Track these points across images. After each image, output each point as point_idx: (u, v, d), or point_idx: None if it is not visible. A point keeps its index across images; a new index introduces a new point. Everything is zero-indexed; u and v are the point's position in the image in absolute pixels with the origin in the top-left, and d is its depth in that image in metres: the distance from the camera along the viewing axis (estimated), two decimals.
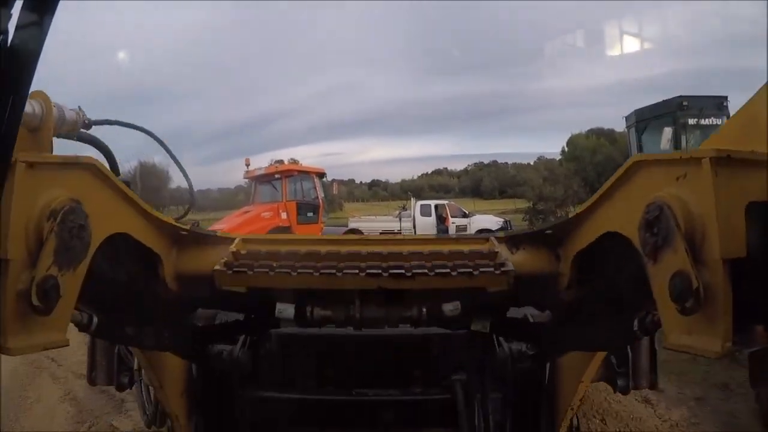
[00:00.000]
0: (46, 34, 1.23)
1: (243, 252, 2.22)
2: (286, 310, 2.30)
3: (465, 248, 2.18)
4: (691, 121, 11.52)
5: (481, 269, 2.00)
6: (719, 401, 7.11)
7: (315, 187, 19.57)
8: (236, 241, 2.28)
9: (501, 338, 2.40)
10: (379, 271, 1.99)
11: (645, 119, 12.63)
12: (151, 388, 2.79)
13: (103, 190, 1.79)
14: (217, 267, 2.06)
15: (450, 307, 2.26)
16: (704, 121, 11.57)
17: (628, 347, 2.90)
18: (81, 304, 1.70)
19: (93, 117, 2.43)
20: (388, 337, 2.71)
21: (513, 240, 2.27)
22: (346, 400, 2.89)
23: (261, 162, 21.43)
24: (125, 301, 2.07)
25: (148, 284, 2.22)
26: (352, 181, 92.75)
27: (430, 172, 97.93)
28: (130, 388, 2.95)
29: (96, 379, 2.97)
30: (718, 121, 11.56)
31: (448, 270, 1.99)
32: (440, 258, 2.09)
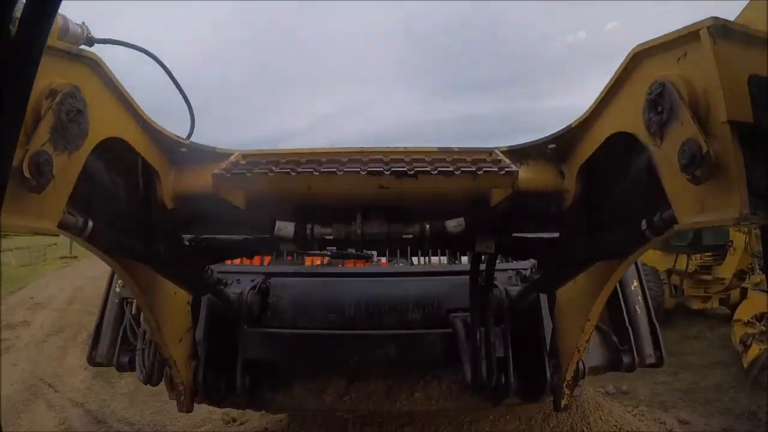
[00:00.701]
0: (49, 30, 1.23)
1: (243, 162, 2.14)
2: (285, 228, 2.19)
3: (468, 157, 2.08)
4: None
5: (484, 169, 1.93)
6: None
7: None
8: (236, 154, 2.19)
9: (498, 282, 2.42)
10: (381, 169, 1.91)
11: None
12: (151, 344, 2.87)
13: (105, 90, 1.79)
14: (215, 171, 1.99)
15: (453, 224, 2.18)
16: None
17: (628, 324, 3.04)
18: (76, 209, 1.70)
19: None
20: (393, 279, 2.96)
21: (517, 153, 2.19)
22: (350, 335, 2.99)
23: None
24: (121, 211, 2.06)
25: (144, 199, 2.19)
26: None
27: None
28: (130, 370, 3.05)
29: (96, 357, 3.13)
30: None
31: (451, 169, 1.91)
32: (443, 162, 2.00)
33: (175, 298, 2.65)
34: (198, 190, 2.21)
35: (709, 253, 11.47)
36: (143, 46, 2.22)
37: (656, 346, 3.08)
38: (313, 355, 2.99)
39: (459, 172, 1.91)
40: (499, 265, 3.09)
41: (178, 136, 2.23)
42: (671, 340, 10.97)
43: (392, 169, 1.91)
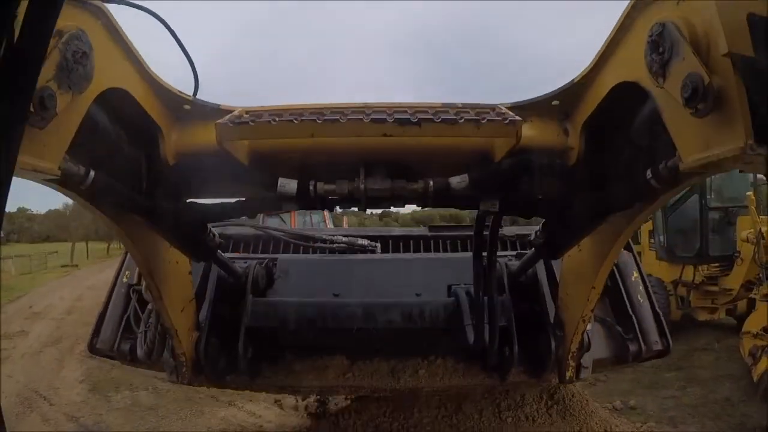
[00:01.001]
0: (51, 34, 1.25)
1: (246, 115, 2.10)
2: (288, 184, 2.17)
3: (472, 110, 2.05)
4: None
5: (487, 119, 1.91)
6: None
7: (324, 220, 19.50)
8: (239, 109, 2.16)
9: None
10: (384, 117, 1.89)
11: None
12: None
13: (110, 39, 1.81)
14: (219, 121, 1.96)
15: (457, 180, 2.16)
16: None
17: (631, 312, 3.05)
18: (78, 159, 1.71)
19: None
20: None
21: (520, 110, 2.15)
22: (355, 303, 3.04)
23: None
24: (123, 165, 2.07)
25: (147, 155, 2.21)
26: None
27: None
28: (130, 359, 3.10)
29: (97, 344, 3.16)
30: None
31: (455, 118, 1.90)
32: (447, 113, 1.99)
33: (177, 267, 2.66)
34: (201, 147, 2.22)
35: (716, 264, 11.31)
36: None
37: (662, 333, 3.08)
38: (318, 323, 2.97)
39: (462, 120, 1.90)
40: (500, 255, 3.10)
41: (182, 92, 2.23)
42: (678, 353, 10.81)
43: (396, 117, 1.89)
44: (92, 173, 1.78)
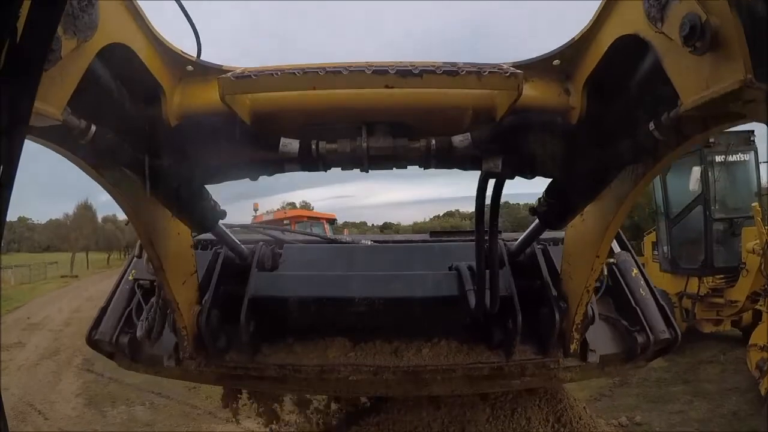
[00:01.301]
0: (54, 33, 1.27)
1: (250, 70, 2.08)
2: (290, 144, 2.18)
3: (473, 66, 1.99)
4: (719, 158, 11.30)
5: (489, 71, 1.89)
6: None
7: (326, 232, 19.48)
8: (242, 68, 2.11)
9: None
10: (386, 69, 1.87)
11: None
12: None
13: None
14: (221, 76, 1.94)
15: (459, 138, 2.18)
16: (732, 158, 11.38)
17: (635, 305, 3.05)
18: (79, 112, 1.73)
19: None
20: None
21: (521, 69, 2.07)
22: (359, 275, 3.10)
23: (273, 204, 21.74)
24: (124, 122, 2.06)
25: (148, 114, 2.19)
26: (363, 223, 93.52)
27: (442, 214, 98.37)
28: (129, 354, 3.02)
29: (95, 335, 3.07)
30: (746, 157, 11.44)
31: (456, 69, 1.88)
32: (449, 67, 1.95)
33: (178, 239, 2.67)
34: (203, 108, 2.22)
35: (721, 276, 11.18)
36: None
37: (668, 323, 3.02)
38: (322, 293, 2.98)
39: (464, 72, 1.88)
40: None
41: (185, 53, 2.22)
42: (684, 366, 10.71)
43: (398, 69, 1.88)
44: (93, 127, 1.81)
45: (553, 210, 2.58)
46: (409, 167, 2.36)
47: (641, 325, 2.98)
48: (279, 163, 2.30)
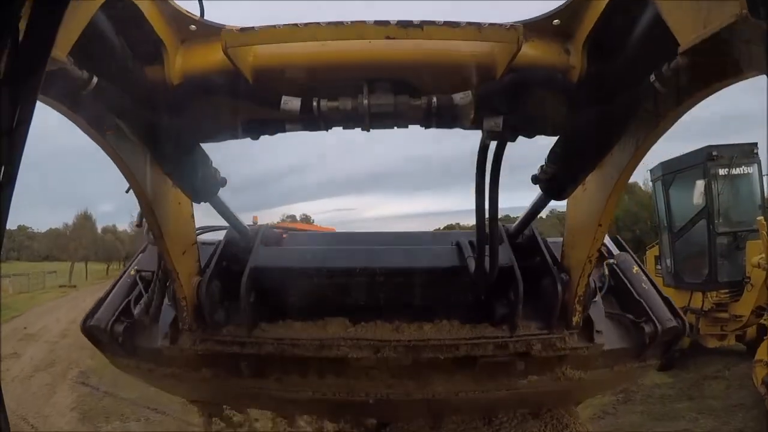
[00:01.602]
0: (56, 32, 1.27)
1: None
2: (291, 101, 2.17)
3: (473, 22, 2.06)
4: (722, 172, 11.22)
5: (489, 23, 1.94)
6: None
7: None
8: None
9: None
10: (387, 20, 1.90)
11: (672, 172, 12.28)
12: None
13: None
14: (225, 29, 1.97)
15: (460, 96, 2.17)
16: (735, 171, 11.31)
17: (639, 297, 3.07)
18: (82, 63, 1.73)
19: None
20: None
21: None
22: (362, 248, 3.19)
23: (273, 217, 21.78)
24: (126, 77, 2.06)
25: (151, 72, 2.21)
26: None
27: (442, 228, 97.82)
28: (122, 344, 3.03)
29: (91, 321, 3.07)
30: (749, 170, 11.36)
31: (457, 22, 1.92)
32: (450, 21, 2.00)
33: (179, 208, 2.69)
34: (206, 68, 2.23)
35: (725, 290, 11.06)
36: None
37: (674, 313, 3.05)
38: (324, 263, 2.99)
39: (464, 23, 1.92)
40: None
41: (189, 12, 2.23)
42: (688, 382, 10.58)
43: (398, 20, 1.91)
44: (95, 79, 1.81)
45: (556, 177, 2.54)
46: (410, 128, 2.38)
47: (647, 316, 2.99)
48: (280, 123, 2.32)
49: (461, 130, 2.39)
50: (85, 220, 55.71)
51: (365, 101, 2.15)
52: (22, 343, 15.92)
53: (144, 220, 2.71)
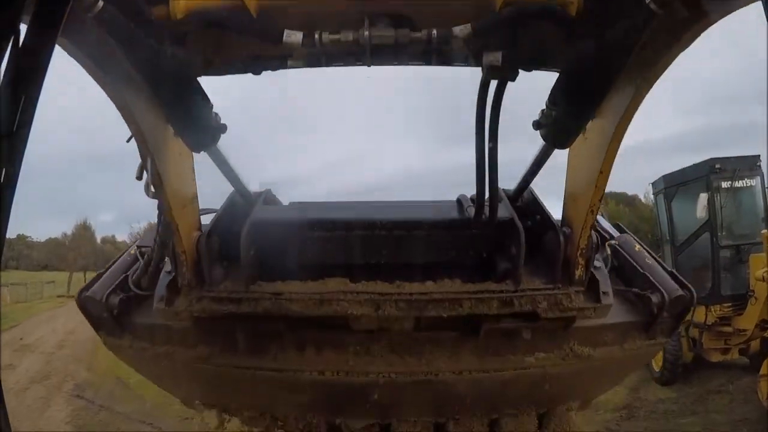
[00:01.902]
0: (57, 35, 1.29)
1: None
2: (293, 35, 2.19)
3: None
4: (725, 185, 11.22)
5: None
6: None
7: None
8: None
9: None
10: None
11: (675, 185, 12.31)
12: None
13: None
14: None
15: (460, 28, 2.19)
16: (738, 183, 11.30)
17: (643, 271, 3.10)
18: None
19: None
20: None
21: None
22: (364, 203, 3.26)
23: None
24: (131, 8, 2.06)
25: (155, 8, 2.20)
26: None
27: None
28: (115, 317, 3.05)
29: (86, 293, 3.10)
30: (752, 182, 11.36)
31: None
32: None
33: (180, 159, 2.67)
34: (209, 3, 2.23)
35: (729, 304, 10.98)
36: None
37: (681, 284, 3.10)
38: (324, 215, 3.02)
39: None
40: None
41: None
42: (692, 397, 10.49)
43: None
44: (101, 2, 1.79)
45: (558, 121, 2.52)
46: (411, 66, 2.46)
47: (653, 287, 3.01)
48: (282, 58, 2.38)
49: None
50: (84, 230, 55.69)
51: (366, 33, 2.18)
52: (18, 354, 15.86)
53: (144, 172, 2.63)
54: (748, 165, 11.31)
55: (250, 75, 2.60)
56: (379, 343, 2.95)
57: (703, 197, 11.10)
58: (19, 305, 31.81)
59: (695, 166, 11.71)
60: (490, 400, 3.46)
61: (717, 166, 11.01)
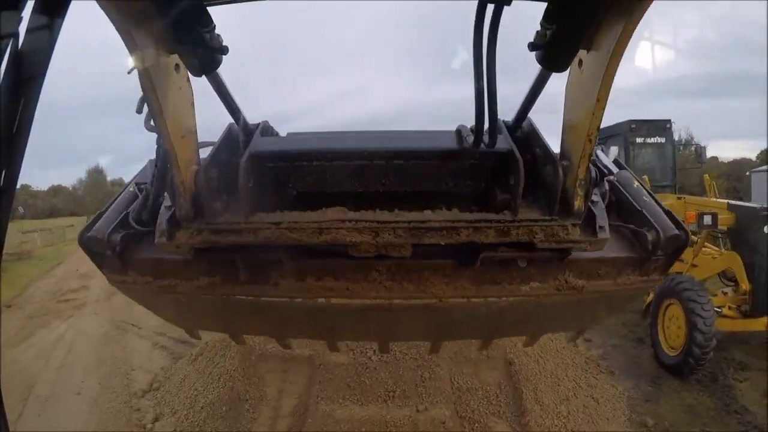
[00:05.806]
0: (56, 37, 1.29)
1: None
2: None
3: None
4: (639, 140, 13.50)
5: None
6: None
7: None
8: None
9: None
10: None
11: (605, 137, 13.91)
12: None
13: None
14: None
15: None
16: (650, 140, 13.64)
17: (640, 207, 3.04)
18: None
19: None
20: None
21: None
22: (365, 133, 3.15)
23: None
24: None
25: None
26: None
27: None
28: (117, 252, 3.01)
29: (88, 233, 3.05)
30: (662, 140, 13.77)
31: None
32: None
33: (180, 93, 2.58)
34: None
35: None
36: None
37: (677, 224, 2.98)
38: (323, 146, 2.91)
39: None
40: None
41: None
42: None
43: None
44: None
45: (554, 40, 2.36)
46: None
47: (649, 225, 2.94)
48: None
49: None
50: (97, 174, 58.30)
51: None
52: (84, 279, 17.84)
53: (144, 105, 2.56)
54: (659, 127, 13.57)
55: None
56: (378, 270, 2.88)
57: (614, 149, 13.22)
58: (49, 248, 34.08)
59: (617, 124, 13.71)
60: (485, 326, 3.50)
61: (632, 126, 13.27)
